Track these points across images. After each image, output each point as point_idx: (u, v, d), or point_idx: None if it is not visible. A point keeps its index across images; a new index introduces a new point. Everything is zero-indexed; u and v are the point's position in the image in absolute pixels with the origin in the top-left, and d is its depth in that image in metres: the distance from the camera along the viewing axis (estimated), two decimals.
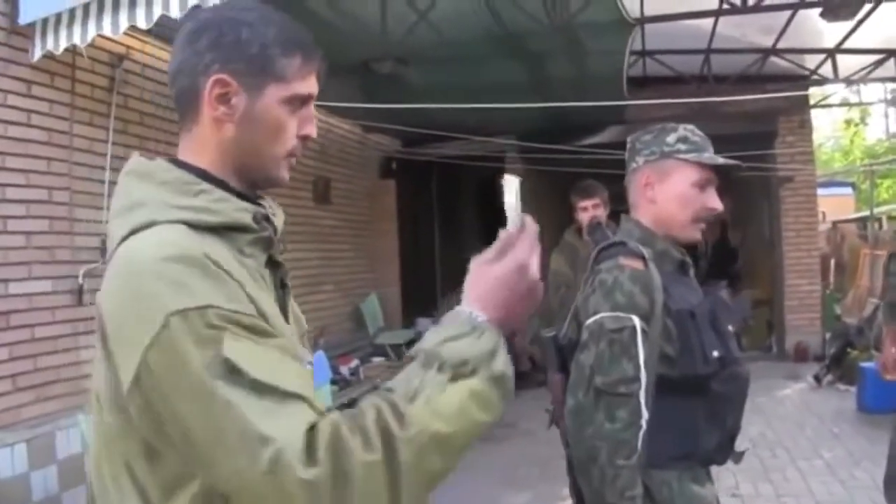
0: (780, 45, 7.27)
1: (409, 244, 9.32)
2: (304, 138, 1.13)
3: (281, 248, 1.15)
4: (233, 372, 0.88)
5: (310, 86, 1.12)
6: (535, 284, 1.05)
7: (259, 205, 1.11)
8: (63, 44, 3.90)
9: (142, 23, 3.67)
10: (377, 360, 7.68)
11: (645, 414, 1.63)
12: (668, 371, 1.71)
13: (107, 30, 3.80)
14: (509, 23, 5.18)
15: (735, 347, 1.83)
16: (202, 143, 1.09)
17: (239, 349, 0.89)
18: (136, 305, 0.91)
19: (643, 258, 1.74)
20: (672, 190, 1.84)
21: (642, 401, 1.63)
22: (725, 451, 1.82)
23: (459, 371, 0.95)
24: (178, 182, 1.04)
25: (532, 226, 1.05)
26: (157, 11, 3.58)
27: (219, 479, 0.89)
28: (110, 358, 0.94)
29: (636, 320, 1.65)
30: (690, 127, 1.88)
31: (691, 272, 1.93)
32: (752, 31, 6.98)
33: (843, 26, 6.71)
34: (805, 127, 8.81)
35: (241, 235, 1.05)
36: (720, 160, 1.84)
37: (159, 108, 4.88)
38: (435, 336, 0.99)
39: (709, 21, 6.50)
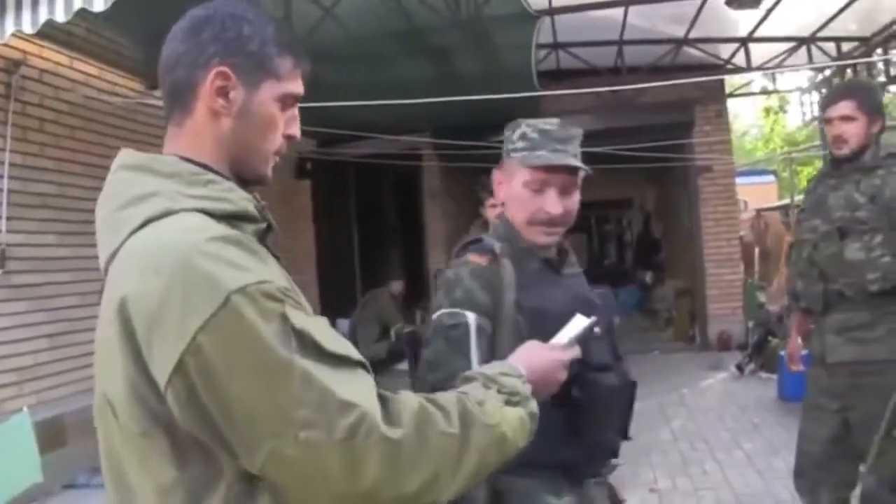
0: (694, 35, 7.27)
1: (327, 244, 9.13)
2: (289, 138, 1.16)
3: (273, 240, 1.15)
4: (306, 343, 0.92)
5: (299, 86, 1.15)
6: (561, 379, 1.37)
7: (256, 198, 1.11)
8: None
9: (28, 28, 3.47)
10: None
11: None
12: None
13: None
14: (415, 18, 5.05)
15: (607, 352, 1.69)
16: (197, 137, 1.09)
17: (305, 321, 0.93)
18: (185, 290, 0.89)
19: (493, 254, 1.67)
20: (511, 191, 1.74)
21: None
22: (593, 462, 1.69)
23: (511, 399, 1.14)
24: (186, 173, 1.03)
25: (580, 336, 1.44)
26: (44, 15, 3.39)
27: (277, 455, 0.89)
28: (138, 354, 0.92)
29: (470, 317, 1.59)
30: (533, 122, 1.71)
31: (570, 270, 1.80)
32: (662, 21, 6.96)
33: (757, 15, 6.75)
34: (722, 116, 8.86)
35: (249, 226, 1.05)
36: (555, 161, 1.66)
37: (60, 115, 4.85)
38: (492, 369, 1.22)
39: (620, 12, 6.44)
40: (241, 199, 1.04)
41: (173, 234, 0.94)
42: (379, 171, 9.22)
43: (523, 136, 1.71)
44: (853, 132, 2.84)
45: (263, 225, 1.07)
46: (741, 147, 17.05)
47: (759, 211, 14.16)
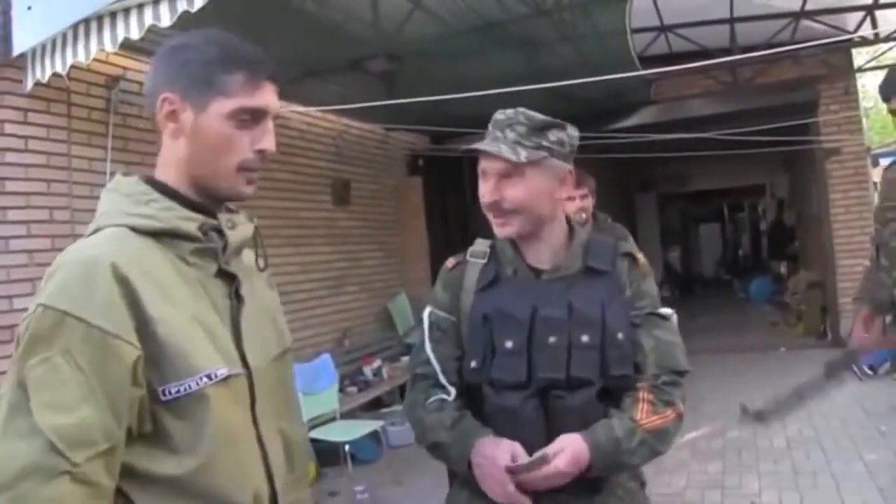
0: (812, 7, 6.73)
1: (440, 241, 9.15)
2: (260, 152, 1.20)
3: (261, 259, 1.32)
4: (22, 386, 1.01)
5: (259, 99, 1.19)
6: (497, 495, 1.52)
7: (214, 217, 1.19)
8: (48, 72, 4.04)
9: (109, 46, 3.76)
10: (406, 359, 7.54)
11: (452, 391, 1.67)
12: None
13: (80, 56, 3.89)
14: (505, 8, 4.94)
15: (519, 370, 1.58)
16: (166, 158, 1.21)
17: (52, 367, 1.01)
18: (40, 290, 1.07)
19: (461, 260, 1.77)
20: None
21: (441, 381, 1.68)
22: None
23: None
24: (136, 193, 1.16)
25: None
26: (121, 35, 3.66)
27: None
28: None
29: (427, 312, 1.75)
30: (504, 111, 1.67)
31: (561, 273, 1.66)
32: None
33: None
34: (850, 94, 8.14)
35: (185, 244, 1.15)
36: (472, 146, 1.64)
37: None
38: None
39: None
40: (179, 218, 1.15)
41: (69, 249, 1.11)
42: None
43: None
44: None
45: (210, 245, 1.17)
46: (888, 126, 15.67)
47: None
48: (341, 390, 5.87)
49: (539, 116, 1.64)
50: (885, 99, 2.84)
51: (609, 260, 1.68)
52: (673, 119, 8.26)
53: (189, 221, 1.15)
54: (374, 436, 5.46)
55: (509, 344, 1.59)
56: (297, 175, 6.63)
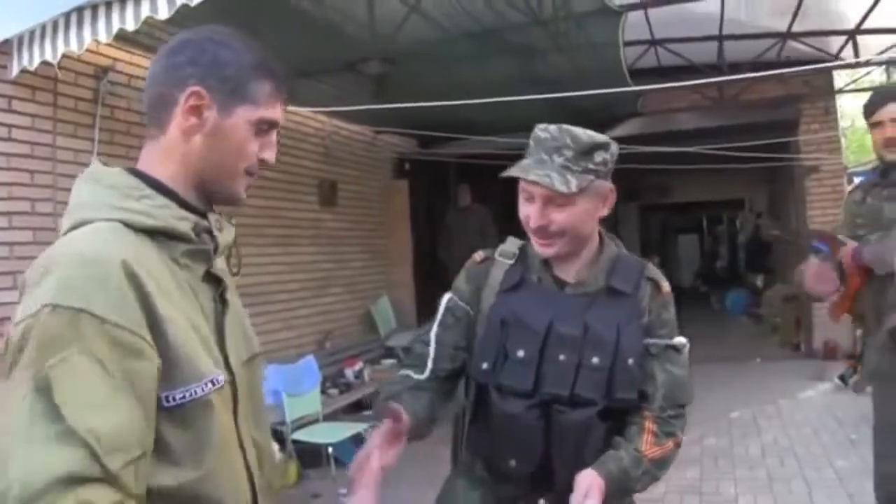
0: (798, 28, 6.90)
1: (425, 245, 9.20)
2: (262, 161, 1.20)
3: (235, 264, 1.26)
4: (43, 389, 0.92)
5: (276, 113, 1.20)
6: None
7: (205, 218, 1.16)
8: (37, 59, 3.95)
9: (103, 36, 3.68)
10: (387, 362, 7.58)
11: (426, 372, 1.73)
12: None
13: (73, 45, 3.81)
14: (500, 15, 5.01)
15: (526, 378, 1.62)
16: (167, 153, 1.14)
17: (74, 366, 0.93)
18: (31, 290, 0.98)
19: (489, 257, 1.80)
20: None
21: (427, 362, 1.73)
22: (509, 486, 1.69)
23: None
24: (124, 186, 1.09)
25: None
26: (116, 24, 3.59)
27: None
28: None
29: (446, 297, 1.79)
30: (543, 126, 1.67)
31: (584, 290, 1.69)
32: (763, 15, 6.64)
33: (865, 5, 6.34)
34: (830, 113, 8.37)
35: (178, 245, 1.10)
36: (513, 173, 1.64)
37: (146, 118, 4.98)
38: None
39: (717, 6, 6.19)
40: (174, 217, 1.09)
41: (64, 243, 1.03)
42: (479, 171, 9.26)
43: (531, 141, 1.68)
44: None
45: (203, 246, 1.13)
46: (864, 145, 15.99)
47: None
48: (323, 392, 5.87)
49: (584, 138, 1.61)
50: (867, 115, 2.95)
51: (633, 282, 1.70)
52: (658, 131, 8.40)
53: (183, 221, 1.11)
54: (358, 438, 5.49)
55: (521, 353, 1.62)
56: (284, 174, 6.64)
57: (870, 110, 2.93)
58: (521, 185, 1.66)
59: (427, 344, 1.74)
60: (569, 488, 1.52)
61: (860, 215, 3.00)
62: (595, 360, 1.60)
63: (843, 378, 7.01)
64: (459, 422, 1.82)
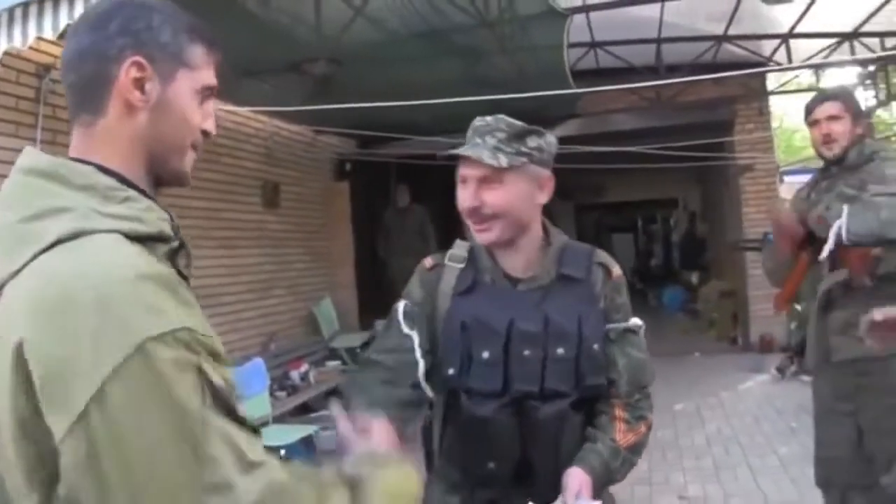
0: (734, 32, 7.13)
1: (366, 246, 9.17)
2: (205, 133, 1.09)
3: (185, 264, 1.04)
4: (220, 400, 0.85)
5: (213, 77, 1.08)
6: None
7: (171, 216, 1.03)
8: None
9: (49, 33, 3.54)
10: (331, 364, 7.55)
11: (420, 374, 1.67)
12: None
13: (17, 41, 3.62)
14: (445, 17, 5.03)
15: (496, 379, 1.61)
16: (110, 138, 1.00)
17: (218, 375, 0.86)
18: (95, 334, 0.79)
19: (439, 263, 1.78)
20: None
21: (417, 357, 1.67)
22: (487, 482, 1.67)
23: None
24: (102, 187, 0.94)
25: None
26: (64, 20, 3.46)
27: None
28: (33, 403, 0.79)
29: (401, 304, 1.74)
30: (481, 118, 1.70)
31: (537, 283, 1.69)
32: (701, 19, 6.84)
33: (798, 10, 6.59)
34: (764, 114, 8.67)
35: (159, 246, 0.97)
36: (456, 151, 1.65)
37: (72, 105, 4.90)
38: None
39: (656, 10, 6.35)
40: (158, 220, 0.97)
41: (85, 266, 0.83)
42: (419, 171, 9.26)
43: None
44: (840, 131, 2.88)
45: (175, 244, 1.00)
46: (791, 145, 16.63)
47: None
48: (271, 395, 5.80)
49: (518, 123, 1.64)
50: (807, 116, 3.10)
51: (583, 267, 1.70)
52: (596, 132, 8.54)
53: (165, 222, 0.99)
54: (308, 441, 5.44)
55: (486, 354, 1.61)
56: (227, 176, 6.54)
57: (808, 110, 3.07)
58: (458, 172, 1.67)
59: (410, 351, 1.66)
60: (549, 485, 1.54)
61: (805, 210, 3.12)
62: (560, 350, 1.60)
63: (780, 369, 7.28)
64: (429, 430, 1.80)
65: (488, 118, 1.66)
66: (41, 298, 0.82)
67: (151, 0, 1.05)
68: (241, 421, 0.87)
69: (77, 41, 1.01)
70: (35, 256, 0.85)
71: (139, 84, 0.99)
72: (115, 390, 0.78)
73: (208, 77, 1.08)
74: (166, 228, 0.98)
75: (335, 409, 1.36)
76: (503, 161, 1.59)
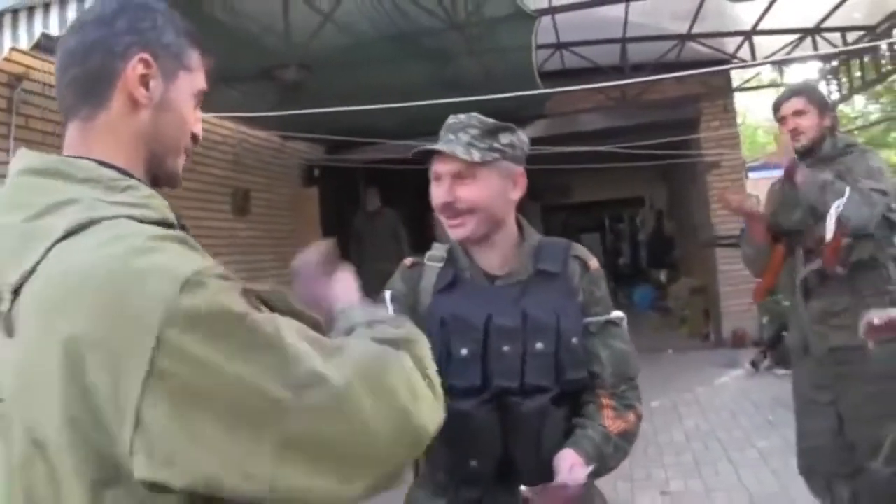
0: (697, 31, 7.22)
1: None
2: (194, 138, 1.11)
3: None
4: (274, 302, 0.92)
5: (205, 82, 1.12)
6: None
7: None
8: None
9: (24, 43, 3.47)
10: None
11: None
12: None
13: None
14: (413, 21, 5.01)
15: (475, 375, 1.59)
16: (112, 134, 1.00)
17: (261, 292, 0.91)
18: (129, 293, 0.78)
19: (419, 262, 1.80)
20: None
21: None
22: (471, 481, 1.64)
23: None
24: (104, 178, 0.94)
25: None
26: (38, 29, 3.40)
27: (287, 429, 0.81)
28: (83, 379, 0.77)
29: (387, 292, 1.74)
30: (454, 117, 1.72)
31: (514, 279, 1.70)
32: (665, 18, 6.91)
33: (760, 8, 6.69)
34: (729, 111, 8.77)
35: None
36: (427, 147, 1.66)
37: (61, 127, 4.84)
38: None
39: (621, 11, 6.41)
40: (162, 206, 0.98)
41: (104, 245, 0.82)
42: (389, 175, 9.22)
43: None
44: (807, 125, 2.97)
45: (181, 234, 0.96)
46: (755, 141, 16.87)
47: None
48: None
49: (490, 120, 1.67)
50: (775, 112, 3.16)
51: (560, 261, 1.71)
52: (563, 133, 8.57)
53: (168, 209, 0.99)
54: None
55: (464, 351, 1.60)
56: (197, 183, 6.45)
57: (776, 107, 3.14)
58: (432, 169, 1.68)
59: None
60: (532, 482, 1.51)
61: (779, 202, 3.18)
62: (539, 345, 1.60)
63: (754, 364, 7.36)
64: None
65: (461, 116, 1.68)
66: (69, 289, 0.80)
67: (155, 3, 1.08)
68: (299, 314, 0.93)
69: (82, 35, 1.02)
70: (47, 251, 0.84)
71: (144, 81, 1.01)
72: (172, 335, 0.77)
73: (202, 81, 1.11)
74: (170, 215, 0.98)
75: None
76: (476, 156, 1.61)
